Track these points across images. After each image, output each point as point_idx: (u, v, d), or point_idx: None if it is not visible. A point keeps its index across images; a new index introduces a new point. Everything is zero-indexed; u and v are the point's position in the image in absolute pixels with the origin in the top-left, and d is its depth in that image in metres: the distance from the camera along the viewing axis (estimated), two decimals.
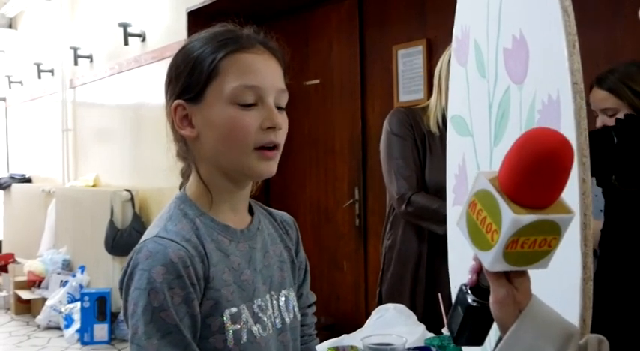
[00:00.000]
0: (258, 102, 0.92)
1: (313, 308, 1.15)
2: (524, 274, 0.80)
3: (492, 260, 0.76)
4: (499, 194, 0.74)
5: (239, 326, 0.92)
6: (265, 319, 0.96)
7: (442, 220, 1.64)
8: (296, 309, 1.05)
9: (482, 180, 0.76)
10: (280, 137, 0.94)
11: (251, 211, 1.04)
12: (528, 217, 0.72)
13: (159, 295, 0.84)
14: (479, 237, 0.78)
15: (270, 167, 0.94)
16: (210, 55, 0.92)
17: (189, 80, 0.93)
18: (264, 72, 0.94)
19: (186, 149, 0.97)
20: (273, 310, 0.99)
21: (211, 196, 0.95)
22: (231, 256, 0.94)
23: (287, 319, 1.01)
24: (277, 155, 0.95)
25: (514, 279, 0.79)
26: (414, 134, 1.89)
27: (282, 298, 1.02)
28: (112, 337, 4.46)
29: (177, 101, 0.94)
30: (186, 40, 0.99)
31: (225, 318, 0.90)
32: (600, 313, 1.03)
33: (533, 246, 0.74)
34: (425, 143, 1.88)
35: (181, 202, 0.96)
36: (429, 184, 1.86)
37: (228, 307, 0.91)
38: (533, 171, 0.72)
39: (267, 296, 0.99)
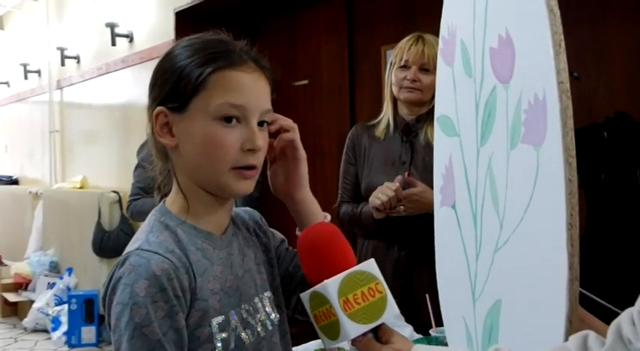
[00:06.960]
0: (242, 121, 0.91)
1: (285, 243, 1.14)
2: (391, 331, 0.90)
3: (346, 328, 0.85)
4: (316, 287, 0.89)
5: (227, 334, 0.91)
6: (254, 323, 0.96)
7: (367, 221, 1.92)
8: (282, 305, 1.05)
9: (305, 296, 0.91)
10: (259, 158, 0.94)
11: None
12: (337, 277, 0.87)
13: (141, 309, 0.82)
14: (330, 330, 0.88)
15: (247, 186, 0.93)
16: (198, 68, 0.90)
17: (174, 89, 0.91)
18: (251, 92, 0.92)
19: (166, 157, 0.96)
20: (260, 313, 0.98)
21: (188, 205, 0.94)
22: (214, 264, 0.94)
23: (273, 317, 1.01)
24: (256, 175, 0.94)
25: (384, 338, 0.89)
26: (354, 151, 2.03)
27: (267, 299, 1.01)
28: (100, 340, 4.44)
29: (159, 108, 0.92)
30: (174, 44, 0.97)
31: (213, 328, 0.89)
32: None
33: (366, 298, 0.87)
34: (367, 154, 1.99)
35: (161, 215, 0.95)
36: (369, 187, 1.92)
37: (216, 316, 0.90)
38: (308, 255, 0.93)
39: (256, 299, 0.99)
